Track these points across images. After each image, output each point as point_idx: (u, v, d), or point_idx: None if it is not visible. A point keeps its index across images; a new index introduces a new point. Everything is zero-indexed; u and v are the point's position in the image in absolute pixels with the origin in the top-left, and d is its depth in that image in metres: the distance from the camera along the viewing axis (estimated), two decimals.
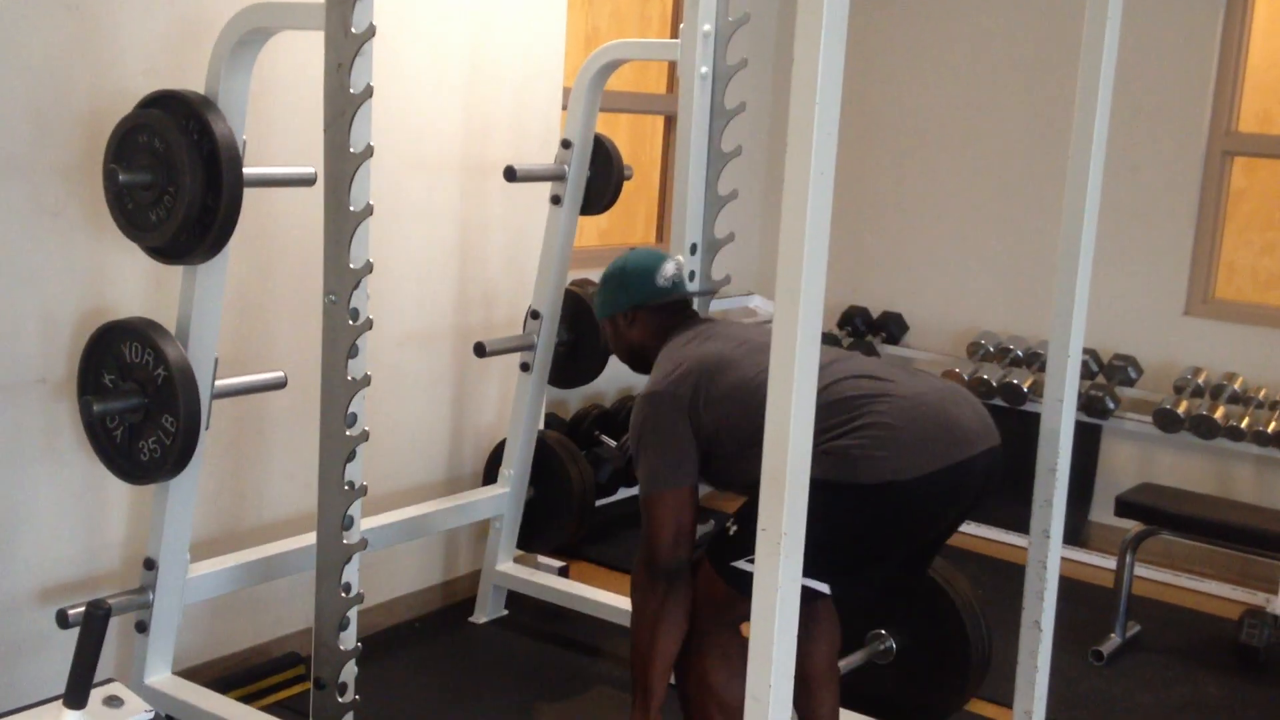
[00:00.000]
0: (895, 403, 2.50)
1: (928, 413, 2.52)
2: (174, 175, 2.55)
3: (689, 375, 2.63)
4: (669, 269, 2.88)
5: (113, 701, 2.02)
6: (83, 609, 2.03)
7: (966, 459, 2.53)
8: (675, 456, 2.60)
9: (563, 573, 4.04)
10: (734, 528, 2.57)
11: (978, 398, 2.72)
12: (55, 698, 2.01)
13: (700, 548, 2.65)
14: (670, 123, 5.10)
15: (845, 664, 3.14)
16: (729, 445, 2.59)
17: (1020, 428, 3.45)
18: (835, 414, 2.46)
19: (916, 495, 2.48)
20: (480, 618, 3.89)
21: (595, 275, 4.27)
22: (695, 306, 3.08)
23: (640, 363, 2.92)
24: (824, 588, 2.47)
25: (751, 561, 1.75)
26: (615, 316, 2.91)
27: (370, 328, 2.57)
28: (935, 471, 2.47)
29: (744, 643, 1.81)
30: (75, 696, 1.94)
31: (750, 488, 1.98)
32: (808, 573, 1.76)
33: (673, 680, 2.71)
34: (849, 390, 2.52)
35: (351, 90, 2.44)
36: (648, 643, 2.60)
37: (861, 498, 2.44)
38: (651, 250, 2.99)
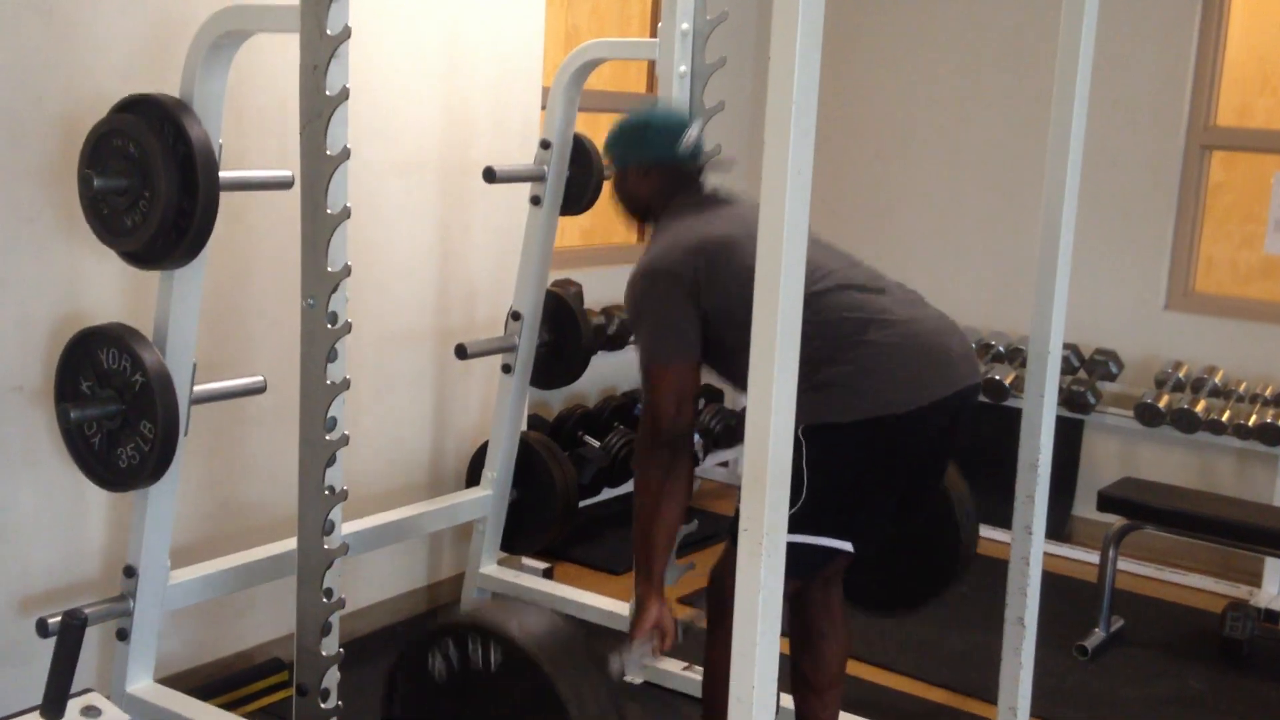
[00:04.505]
0: (889, 330, 2.44)
1: (921, 342, 2.47)
2: (149, 180, 2.53)
3: (691, 253, 2.54)
4: (693, 134, 2.77)
5: (90, 711, 2.01)
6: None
7: (955, 392, 2.48)
8: (674, 331, 2.52)
9: (547, 574, 4.03)
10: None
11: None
12: (32, 708, 2.00)
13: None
14: None
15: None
16: (730, 336, 2.42)
17: (1002, 423, 3.45)
18: (825, 338, 2.39)
19: (908, 429, 2.43)
20: None
21: (576, 275, 4.29)
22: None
23: (640, 216, 2.83)
24: (846, 545, 2.41)
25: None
26: (630, 168, 2.79)
27: (349, 331, 2.55)
28: (927, 405, 2.43)
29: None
30: (52, 707, 1.92)
31: None
32: (825, 530, 1.68)
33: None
34: (842, 308, 2.44)
35: (327, 92, 2.43)
36: (650, 513, 2.54)
37: (854, 436, 2.39)
38: (674, 111, 2.86)
